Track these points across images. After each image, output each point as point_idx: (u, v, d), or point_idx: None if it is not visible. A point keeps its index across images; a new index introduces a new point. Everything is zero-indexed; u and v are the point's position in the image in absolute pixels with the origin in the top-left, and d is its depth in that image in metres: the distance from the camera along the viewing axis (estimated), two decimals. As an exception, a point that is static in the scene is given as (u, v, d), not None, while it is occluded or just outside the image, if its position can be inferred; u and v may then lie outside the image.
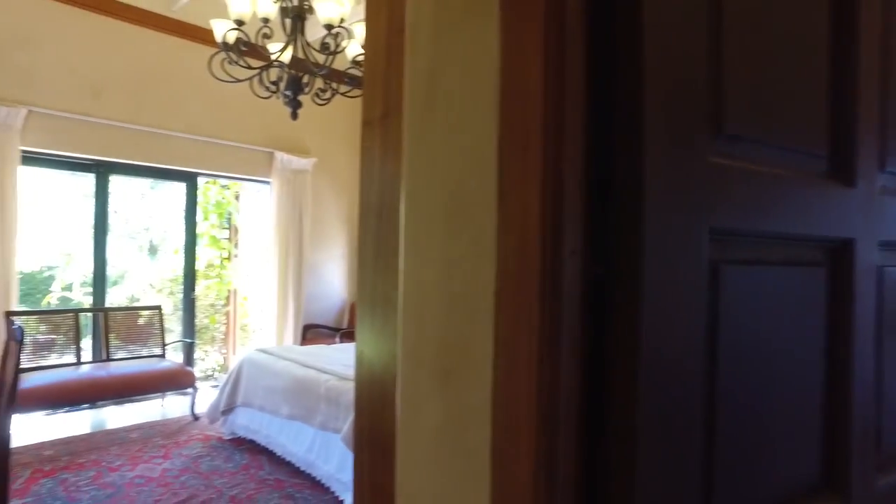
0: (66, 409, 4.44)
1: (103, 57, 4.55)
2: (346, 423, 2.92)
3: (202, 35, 4.61)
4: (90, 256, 4.88)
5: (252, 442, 3.84)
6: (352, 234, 6.33)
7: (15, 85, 4.14)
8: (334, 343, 5.08)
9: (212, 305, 6.35)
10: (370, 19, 0.87)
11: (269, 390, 3.65)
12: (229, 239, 6.40)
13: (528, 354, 0.57)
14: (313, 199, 5.87)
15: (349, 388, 3.10)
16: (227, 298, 6.29)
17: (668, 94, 0.63)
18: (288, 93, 3.15)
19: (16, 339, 2.44)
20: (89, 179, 4.80)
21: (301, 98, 3.20)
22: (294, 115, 3.21)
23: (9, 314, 4.00)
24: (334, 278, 6.24)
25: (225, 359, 6.17)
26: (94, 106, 4.49)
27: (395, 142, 0.82)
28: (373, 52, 0.87)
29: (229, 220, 6.40)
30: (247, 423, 3.87)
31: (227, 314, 6.27)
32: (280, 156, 5.53)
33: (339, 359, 3.76)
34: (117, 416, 4.55)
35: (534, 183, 0.57)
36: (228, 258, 6.38)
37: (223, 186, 6.29)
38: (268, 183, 5.62)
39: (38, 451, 3.67)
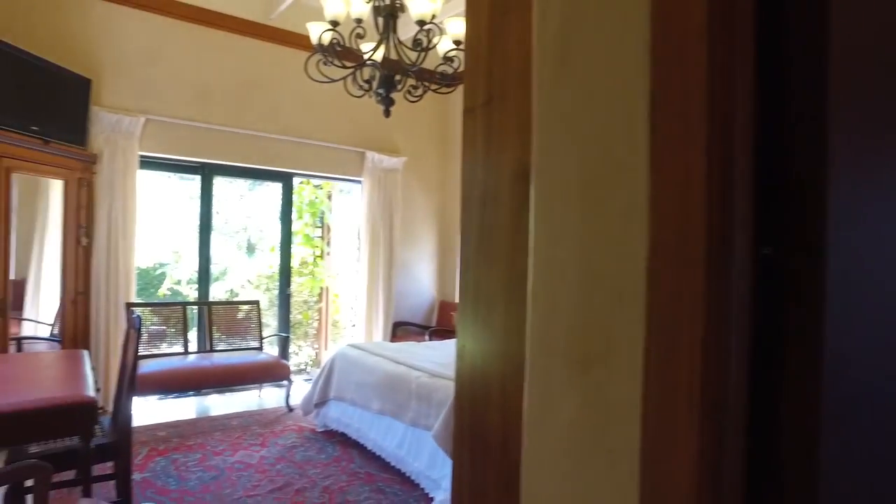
0: (176, 394, 4.76)
1: (208, 66, 4.85)
2: (438, 421, 2.90)
3: (297, 40, 4.80)
4: (195, 254, 5.21)
5: (343, 435, 3.92)
6: (441, 234, 6.36)
7: (137, 96, 4.51)
8: (424, 341, 5.10)
9: (305, 302, 6.60)
10: (471, 2, 0.82)
11: (361, 385, 3.71)
12: (322, 237, 6.62)
13: (691, 340, 0.48)
14: (403, 198, 5.94)
15: (440, 385, 3.07)
16: (320, 295, 6.51)
17: None
18: (381, 91, 3.18)
19: (135, 327, 2.61)
20: (195, 181, 5.12)
21: (392, 96, 3.23)
22: (387, 113, 3.23)
23: (129, 305, 4.34)
24: (423, 276, 6.29)
25: (317, 353, 6.39)
26: (200, 112, 4.79)
27: (499, 128, 0.76)
28: (474, 36, 0.82)
29: (322, 219, 6.62)
30: (338, 416, 3.95)
31: (319, 310, 6.49)
32: (371, 155, 5.64)
33: (430, 356, 3.75)
34: (219, 404, 4.82)
35: (698, 139, 0.49)
36: (321, 256, 6.61)
37: (316, 186, 6.52)
38: (359, 182, 5.75)
39: (153, 432, 3.95)
